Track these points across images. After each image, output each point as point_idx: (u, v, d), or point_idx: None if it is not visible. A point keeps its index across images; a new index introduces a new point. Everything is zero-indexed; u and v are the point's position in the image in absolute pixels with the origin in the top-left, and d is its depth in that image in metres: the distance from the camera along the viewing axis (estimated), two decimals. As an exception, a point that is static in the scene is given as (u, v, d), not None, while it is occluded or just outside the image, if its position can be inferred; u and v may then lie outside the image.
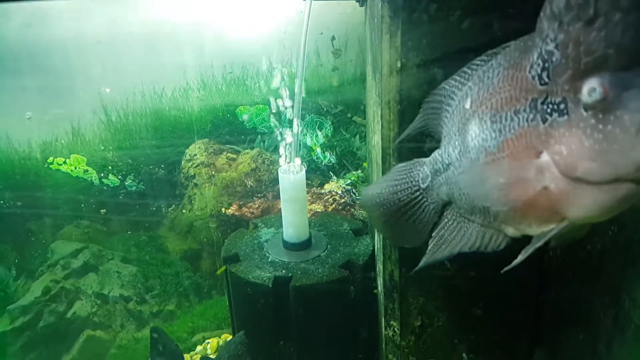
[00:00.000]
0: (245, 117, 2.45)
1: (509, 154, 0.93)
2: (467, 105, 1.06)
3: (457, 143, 1.10)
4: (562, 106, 0.85)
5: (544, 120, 0.87)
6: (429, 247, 1.24)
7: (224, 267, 2.07)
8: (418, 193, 1.29)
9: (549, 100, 0.87)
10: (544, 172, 0.88)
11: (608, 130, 0.80)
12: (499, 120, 0.96)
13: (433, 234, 1.25)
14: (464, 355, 1.73)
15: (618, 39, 0.81)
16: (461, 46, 1.37)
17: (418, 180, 1.29)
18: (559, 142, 0.85)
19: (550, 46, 0.87)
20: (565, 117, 0.85)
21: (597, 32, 0.82)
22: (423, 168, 1.27)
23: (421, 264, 1.22)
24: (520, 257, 1.04)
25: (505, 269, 1.03)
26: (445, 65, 1.39)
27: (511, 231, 1.03)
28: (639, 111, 0.77)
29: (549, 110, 0.87)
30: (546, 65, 0.88)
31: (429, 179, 1.24)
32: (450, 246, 1.10)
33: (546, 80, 0.87)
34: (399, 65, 1.42)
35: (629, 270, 1.15)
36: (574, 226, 0.95)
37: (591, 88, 0.81)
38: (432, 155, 1.21)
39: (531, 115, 0.89)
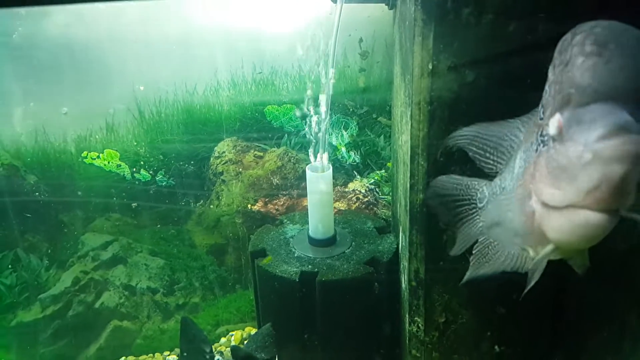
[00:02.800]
0: (275, 114, 2.50)
1: (523, 181, 1.04)
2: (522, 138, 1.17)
3: (509, 174, 1.19)
4: (546, 138, 0.95)
5: (537, 151, 0.98)
6: (472, 262, 1.33)
7: (269, 257, 2.14)
8: (474, 211, 1.38)
9: (541, 133, 0.98)
10: (532, 196, 0.99)
11: (560, 160, 0.90)
12: (524, 152, 1.09)
13: (474, 250, 1.33)
14: (495, 347, 1.76)
15: (578, 79, 0.89)
16: (492, 50, 1.41)
17: (476, 200, 1.39)
18: (537, 170, 0.96)
19: (546, 86, 0.98)
20: (545, 148, 0.95)
21: (567, 74, 0.91)
22: (483, 189, 1.36)
23: (465, 278, 1.32)
24: (532, 281, 1.13)
25: (524, 292, 1.17)
26: (476, 68, 1.44)
27: (531, 253, 1.13)
28: (581, 144, 0.85)
29: (540, 142, 0.98)
30: (542, 102, 1.00)
31: (486, 200, 1.31)
32: (493, 264, 1.22)
33: (542, 115, 0.99)
34: (430, 67, 1.47)
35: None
36: (571, 252, 1.05)
37: (553, 122, 0.91)
38: (494, 180, 1.30)
39: (534, 147, 1.00)
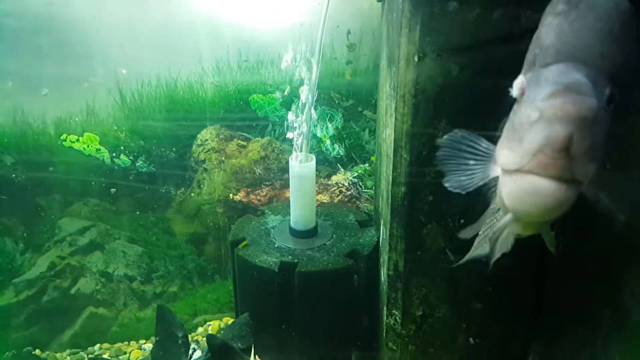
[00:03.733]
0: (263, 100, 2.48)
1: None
2: None
3: None
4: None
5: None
6: (474, 243, 1.28)
7: (245, 242, 2.12)
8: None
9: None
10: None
11: (514, 121, 0.86)
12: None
13: (480, 232, 1.30)
14: (471, 340, 1.78)
15: (543, 39, 0.88)
16: (478, 43, 1.41)
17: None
18: (501, 134, 0.92)
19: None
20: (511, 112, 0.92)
21: (537, 34, 0.90)
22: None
23: (465, 258, 1.27)
24: (492, 255, 1.10)
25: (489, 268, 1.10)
26: (461, 61, 1.44)
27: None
28: (531, 103, 0.82)
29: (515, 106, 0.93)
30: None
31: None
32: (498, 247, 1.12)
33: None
34: (416, 59, 1.46)
35: (632, 267, 1.20)
36: (530, 226, 0.98)
37: (516, 84, 0.88)
38: None
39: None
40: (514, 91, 0.89)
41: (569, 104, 0.76)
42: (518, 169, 0.83)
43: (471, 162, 1.05)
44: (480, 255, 1.22)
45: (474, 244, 1.31)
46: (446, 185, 1.12)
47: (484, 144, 1.04)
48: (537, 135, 0.79)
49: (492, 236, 1.05)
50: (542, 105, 0.79)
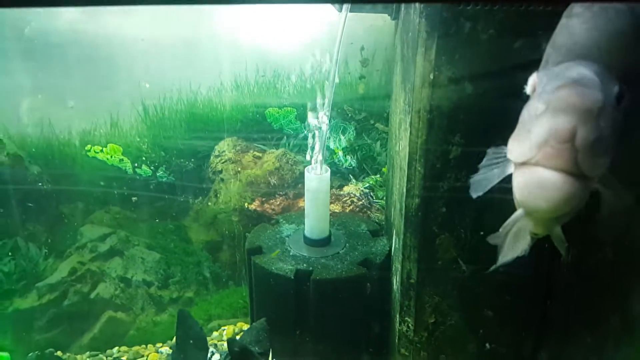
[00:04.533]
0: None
1: None
2: None
3: None
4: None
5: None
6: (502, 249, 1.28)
7: (277, 251, 2.20)
8: None
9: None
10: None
11: (524, 115, 0.88)
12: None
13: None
14: (484, 346, 1.82)
15: (557, 38, 0.91)
16: (491, 64, 1.48)
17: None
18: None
19: None
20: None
21: (553, 35, 0.93)
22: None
23: (497, 264, 1.24)
24: (500, 254, 1.09)
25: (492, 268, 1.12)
26: (475, 81, 1.51)
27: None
28: (541, 96, 0.83)
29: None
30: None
31: None
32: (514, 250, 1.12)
33: None
34: (431, 77, 1.54)
35: (638, 277, 1.25)
36: (541, 223, 0.97)
37: (529, 81, 0.91)
38: None
39: None
40: (528, 88, 0.91)
41: (574, 96, 0.78)
42: (526, 162, 0.84)
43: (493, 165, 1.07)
44: (505, 262, 1.20)
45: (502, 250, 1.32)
46: (471, 189, 1.13)
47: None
48: (543, 127, 0.80)
49: (502, 231, 1.06)
50: (548, 97, 0.81)
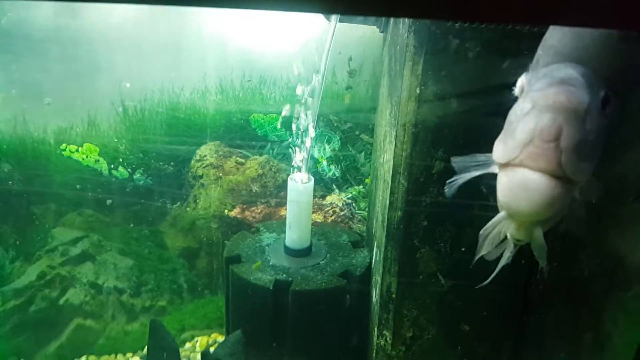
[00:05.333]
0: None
1: None
2: None
3: None
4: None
5: None
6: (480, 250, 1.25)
7: (259, 263, 2.16)
8: None
9: None
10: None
11: (510, 115, 0.88)
12: None
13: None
14: (464, 359, 1.82)
15: (546, 41, 0.92)
16: (477, 81, 1.49)
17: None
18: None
19: None
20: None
21: (543, 38, 0.94)
22: None
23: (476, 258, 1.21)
24: (477, 253, 1.08)
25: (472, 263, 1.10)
26: (460, 96, 1.52)
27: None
28: (527, 97, 0.83)
29: None
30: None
31: None
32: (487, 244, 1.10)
33: None
34: (417, 91, 1.54)
35: (612, 294, 1.26)
36: (523, 227, 0.95)
37: (518, 83, 0.91)
38: None
39: None
40: (516, 89, 0.91)
41: (560, 95, 0.77)
42: (510, 162, 0.83)
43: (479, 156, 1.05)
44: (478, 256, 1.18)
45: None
46: (453, 163, 1.11)
47: None
48: (527, 125, 0.79)
49: (483, 232, 1.04)
50: (534, 96, 0.80)
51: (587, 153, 0.80)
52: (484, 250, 1.06)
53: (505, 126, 0.88)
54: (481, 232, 1.05)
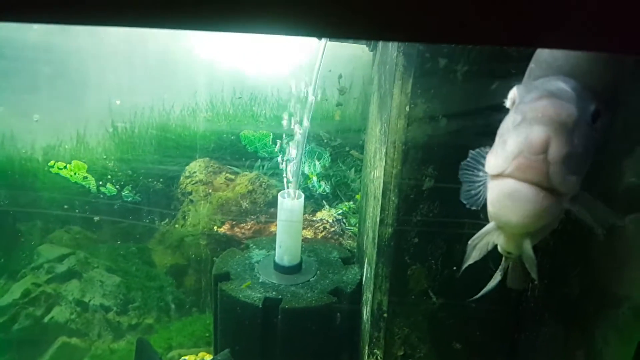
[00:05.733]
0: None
1: None
2: None
3: None
4: None
5: None
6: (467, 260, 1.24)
7: (249, 282, 2.14)
8: None
9: None
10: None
11: (501, 128, 0.89)
12: None
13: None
14: None
15: (538, 54, 0.94)
16: (465, 99, 1.52)
17: None
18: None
19: None
20: None
21: (535, 52, 0.95)
22: None
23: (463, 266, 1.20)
24: (465, 262, 1.08)
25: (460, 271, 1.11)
26: (449, 114, 1.54)
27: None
28: (518, 109, 0.84)
29: None
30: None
31: None
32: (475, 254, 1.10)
33: None
34: (407, 109, 1.56)
35: (603, 312, 1.27)
36: (511, 238, 0.97)
37: (509, 95, 0.92)
38: None
39: None
40: (507, 102, 0.92)
41: (549, 107, 0.79)
42: (500, 174, 0.84)
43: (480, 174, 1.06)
44: (466, 263, 1.18)
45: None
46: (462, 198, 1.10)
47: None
48: (517, 137, 0.80)
49: (472, 242, 1.05)
50: (524, 108, 0.82)
51: (575, 166, 0.80)
52: (472, 260, 1.07)
53: (497, 138, 0.90)
54: (470, 241, 1.06)
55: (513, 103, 0.90)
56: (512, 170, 0.81)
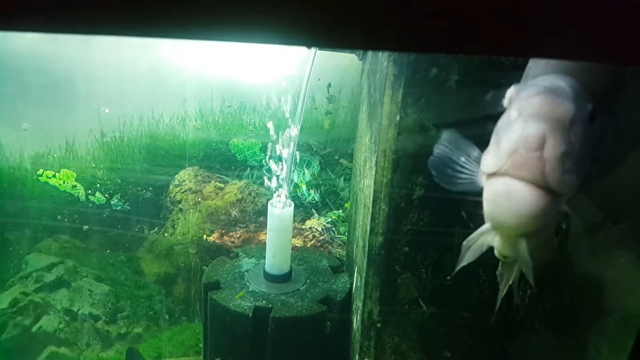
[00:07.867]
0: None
1: None
2: None
3: None
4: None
5: None
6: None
7: (242, 292, 2.12)
8: None
9: None
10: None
11: (498, 126, 0.88)
12: None
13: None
14: None
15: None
16: (455, 108, 1.53)
17: None
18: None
19: None
20: None
21: None
22: None
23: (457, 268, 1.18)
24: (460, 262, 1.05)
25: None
26: (440, 123, 1.55)
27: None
28: (514, 106, 0.84)
29: None
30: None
31: None
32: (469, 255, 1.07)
33: None
34: (397, 118, 1.57)
35: (594, 320, 1.28)
36: (507, 241, 0.94)
37: (507, 94, 0.90)
38: None
39: None
40: (505, 100, 0.91)
41: (545, 103, 0.78)
42: (496, 172, 0.82)
43: (464, 165, 1.04)
44: (460, 265, 1.14)
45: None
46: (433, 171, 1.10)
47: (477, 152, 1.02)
48: (513, 134, 0.79)
49: (467, 243, 1.03)
50: (520, 104, 0.81)
51: (571, 164, 0.79)
52: (466, 261, 1.05)
53: (493, 136, 0.89)
54: (464, 242, 1.04)
55: (510, 101, 0.89)
56: (507, 167, 0.79)
